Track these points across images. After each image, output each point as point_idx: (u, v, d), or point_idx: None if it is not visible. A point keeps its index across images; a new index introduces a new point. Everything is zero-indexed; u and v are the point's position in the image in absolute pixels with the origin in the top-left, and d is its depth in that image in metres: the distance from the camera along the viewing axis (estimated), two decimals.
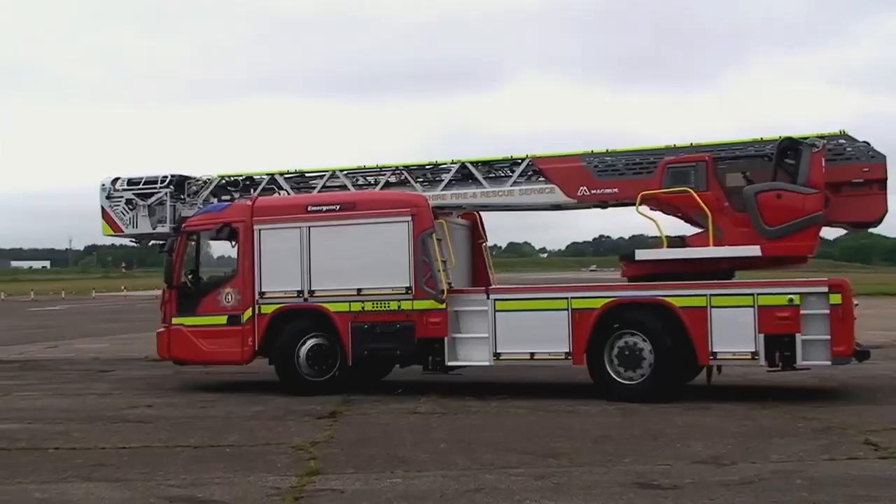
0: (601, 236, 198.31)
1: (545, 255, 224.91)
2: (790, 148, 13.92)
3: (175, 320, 15.94)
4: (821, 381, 14.89)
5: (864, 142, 14.27)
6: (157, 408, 13.87)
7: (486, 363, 14.23)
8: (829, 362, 12.98)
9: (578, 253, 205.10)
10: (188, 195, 18.06)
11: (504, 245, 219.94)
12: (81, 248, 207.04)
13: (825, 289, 12.99)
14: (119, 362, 21.16)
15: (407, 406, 13.34)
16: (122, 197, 18.13)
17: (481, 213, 16.86)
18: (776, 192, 13.57)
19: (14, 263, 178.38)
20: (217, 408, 13.69)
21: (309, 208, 15.32)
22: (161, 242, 17.19)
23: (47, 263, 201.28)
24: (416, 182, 16.60)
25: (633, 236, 61.57)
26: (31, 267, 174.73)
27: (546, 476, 8.75)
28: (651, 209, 14.72)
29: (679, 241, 14.34)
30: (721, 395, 13.49)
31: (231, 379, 16.80)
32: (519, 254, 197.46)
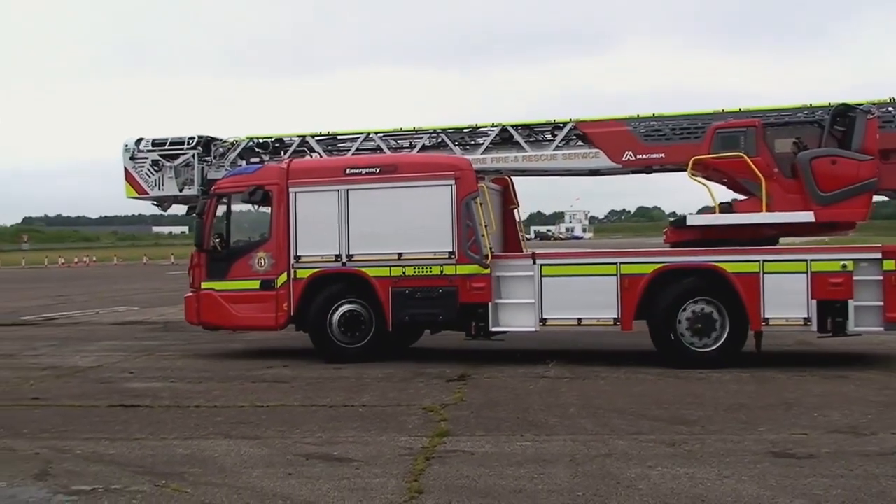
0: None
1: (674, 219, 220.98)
2: (842, 114, 13.82)
3: (205, 284, 15.65)
4: None
5: None
6: (292, 368, 14.13)
7: (532, 329, 14.08)
8: (881, 328, 12.98)
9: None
10: (215, 157, 17.62)
11: (633, 209, 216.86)
12: None
13: (878, 255, 12.94)
14: None
15: (534, 371, 13.28)
16: (146, 158, 17.72)
17: (513, 178, 16.59)
18: (831, 158, 13.48)
19: (155, 229, 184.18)
20: (349, 369, 13.87)
21: (347, 171, 14.96)
22: (191, 205, 16.95)
23: (185, 228, 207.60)
24: (453, 145, 16.31)
25: None
26: (170, 232, 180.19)
27: (678, 443, 8.66)
28: (694, 175, 14.55)
29: (727, 208, 14.21)
30: (859, 364, 13.14)
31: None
32: (648, 218, 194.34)
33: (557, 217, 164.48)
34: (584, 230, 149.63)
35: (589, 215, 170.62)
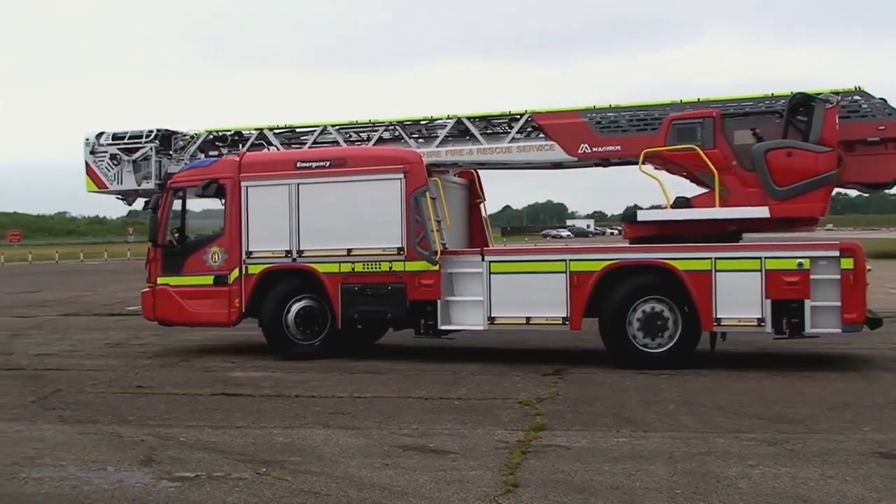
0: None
1: None
2: (802, 104, 13.15)
3: (160, 280, 15.49)
4: None
5: (881, 99, 13.36)
6: (389, 360, 14.18)
7: (480, 327, 13.75)
8: (839, 330, 12.35)
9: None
10: (175, 150, 17.35)
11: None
12: None
13: (836, 252, 12.37)
14: None
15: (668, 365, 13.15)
16: (106, 152, 17.43)
17: (479, 171, 16.21)
18: (787, 150, 12.86)
19: None
20: (445, 362, 13.94)
21: (298, 164, 14.71)
22: (147, 199, 16.70)
23: None
24: (410, 138, 15.80)
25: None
26: None
27: (780, 442, 8.44)
28: (655, 167, 14.03)
29: (685, 202, 13.62)
30: None
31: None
32: None
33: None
34: (587, 227, 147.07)
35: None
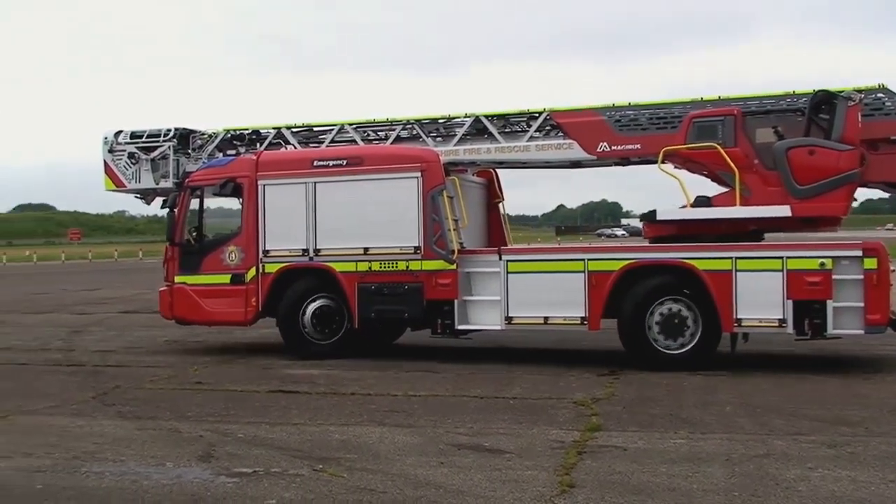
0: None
1: None
2: (825, 101, 12.93)
3: (178, 279, 15.52)
4: None
5: None
6: (442, 360, 14.12)
7: (498, 327, 13.62)
8: (861, 331, 12.11)
9: (873, 210, 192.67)
10: (193, 149, 17.37)
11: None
12: None
13: (859, 252, 12.12)
14: None
15: (689, 366, 13.08)
16: (124, 150, 17.48)
17: (498, 170, 16.11)
18: (808, 149, 12.64)
19: None
20: (498, 362, 13.89)
21: (315, 163, 14.65)
22: (164, 198, 16.58)
23: None
24: (428, 137, 15.73)
25: None
26: None
27: (839, 444, 8.31)
28: (675, 166, 13.83)
29: (705, 201, 13.43)
30: None
31: (505, 338, 16.26)
32: None
33: None
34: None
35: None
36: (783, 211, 12.71)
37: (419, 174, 13.88)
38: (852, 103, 12.55)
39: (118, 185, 17.61)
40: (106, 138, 17.63)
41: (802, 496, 6.78)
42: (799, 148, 12.70)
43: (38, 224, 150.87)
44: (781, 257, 12.29)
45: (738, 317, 12.42)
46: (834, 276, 12.07)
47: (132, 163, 17.47)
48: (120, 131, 17.67)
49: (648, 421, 9.50)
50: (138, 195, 18.17)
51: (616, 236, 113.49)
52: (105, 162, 17.62)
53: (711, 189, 13.79)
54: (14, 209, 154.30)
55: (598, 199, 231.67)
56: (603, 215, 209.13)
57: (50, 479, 7.66)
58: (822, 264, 12.10)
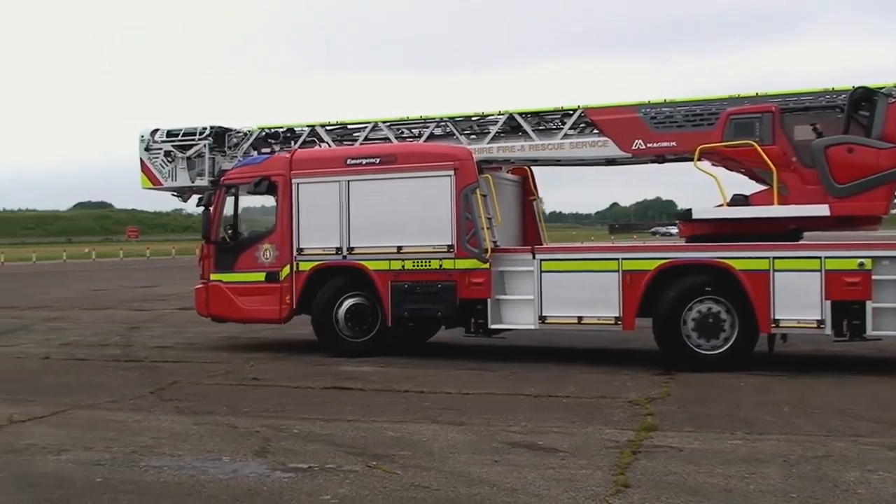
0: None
1: None
2: (864, 98, 12.67)
3: (213, 276, 15.61)
4: None
5: None
6: (495, 359, 14.15)
7: (532, 327, 13.51)
8: None
9: None
10: (228, 147, 17.39)
11: None
12: None
13: None
14: None
15: (746, 365, 12.91)
16: (160, 149, 17.53)
17: (533, 168, 15.96)
18: (847, 146, 12.40)
19: None
20: (552, 361, 13.86)
21: (348, 161, 14.64)
22: (199, 196, 16.67)
23: None
24: (461, 134, 15.59)
25: None
26: None
27: None
28: (713, 164, 13.64)
29: (742, 200, 13.19)
30: None
31: (558, 337, 16.19)
32: None
33: None
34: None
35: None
36: (821, 210, 12.52)
37: (452, 172, 13.84)
38: (893, 100, 12.33)
39: (154, 184, 17.73)
40: (142, 136, 17.75)
41: (862, 499, 6.67)
42: (838, 146, 12.50)
43: (96, 222, 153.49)
44: (819, 257, 12.09)
45: (776, 317, 12.24)
46: (873, 277, 11.85)
47: (168, 161, 17.54)
48: (156, 129, 17.77)
49: (704, 421, 9.40)
50: (174, 193, 18.26)
51: (671, 234, 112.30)
52: (141, 160, 17.72)
53: (749, 188, 13.61)
54: (74, 207, 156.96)
55: (653, 197, 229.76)
56: (657, 213, 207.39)
57: (109, 472, 7.78)
58: (862, 264, 11.88)
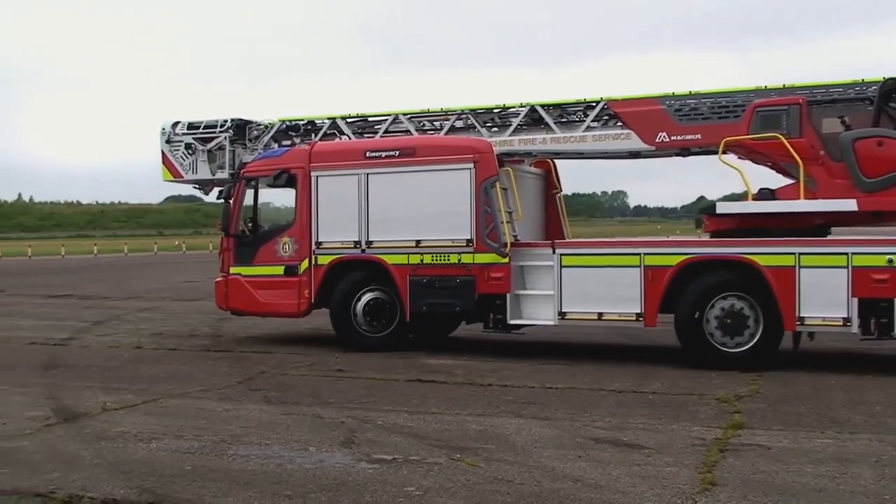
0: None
1: None
2: (895, 90, 12.29)
3: (233, 269, 15.60)
4: None
5: None
6: (580, 354, 14.05)
7: (551, 322, 13.31)
8: None
9: None
10: (249, 140, 17.34)
11: None
12: None
13: None
14: None
15: (836, 364, 12.63)
16: (181, 141, 17.50)
17: (555, 161, 15.67)
18: (877, 140, 12.05)
19: None
20: (636, 356, 13.78)
21: (367, 154, 14.49)
22: (220, 189, 16.61)
23: None
24: (482, 127, 15.35)
25: None
26: None
27: None
28: (738, 157, 13.30)
29: (769, 194, 12.85)
30: None
31: (642, 334, 15.63)
32: None
33: None
34: None
35: None
36: (849, 205, 12.20)
37: (472, 165, 13.69)
38: None
39: (175, 176, 17.73)
40: (164, 129, 17.74)
41: None
42: (867, 139, 12.15)
43: (186, 215, 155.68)
44: (847, 253, 11.76)
45: (801, 315, 11.94)
46: None
47: (189, 153, 17.55)
48: (177, 122, 17.77)
49: (794, 420, 9.21)
50: (195, 185, 18.32)
51: None
52: (163, 152, 17.72)
53: (776, 182, 13.33)
54: (164, 201, 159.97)
55: (741, 190, 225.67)
56: None
57: (198, 460, 7.91)
58: (891, 261, 11.56)
